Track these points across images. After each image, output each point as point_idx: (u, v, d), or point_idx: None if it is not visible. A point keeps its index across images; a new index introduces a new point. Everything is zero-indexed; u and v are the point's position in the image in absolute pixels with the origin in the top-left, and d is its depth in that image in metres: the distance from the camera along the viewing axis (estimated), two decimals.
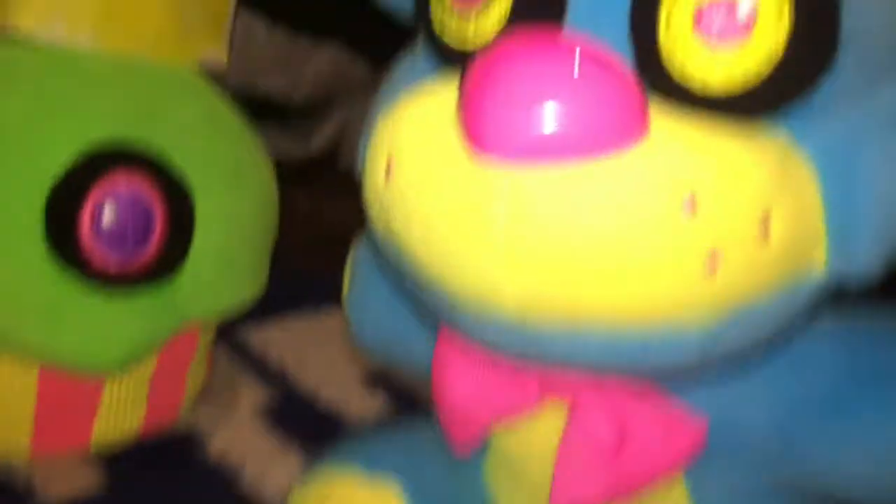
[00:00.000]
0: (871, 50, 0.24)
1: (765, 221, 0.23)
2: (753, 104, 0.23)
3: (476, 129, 0.22)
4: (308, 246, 0.56)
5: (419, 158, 0.24)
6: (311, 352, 0.49)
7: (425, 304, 0.27)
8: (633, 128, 0.22)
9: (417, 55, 0.28)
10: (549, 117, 0.22)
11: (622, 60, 0.23)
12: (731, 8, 0.22)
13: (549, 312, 0.24)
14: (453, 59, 0.25)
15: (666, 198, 0.22)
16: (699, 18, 0.22)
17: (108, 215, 0.34)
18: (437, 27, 0.26)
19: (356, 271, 0.34)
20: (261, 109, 0.65)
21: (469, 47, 0.25)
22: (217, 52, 0.39)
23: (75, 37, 0.35)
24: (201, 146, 0.37)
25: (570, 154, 0.22)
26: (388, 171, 0.25)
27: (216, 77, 0.40)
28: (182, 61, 0.38)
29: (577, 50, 0.22)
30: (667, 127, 0.23)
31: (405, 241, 0.25)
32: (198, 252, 0.36)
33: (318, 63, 0.63)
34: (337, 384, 0.47)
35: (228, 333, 0.48)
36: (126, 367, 0.37)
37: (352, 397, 0.46)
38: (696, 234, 0.22)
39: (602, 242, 0.22)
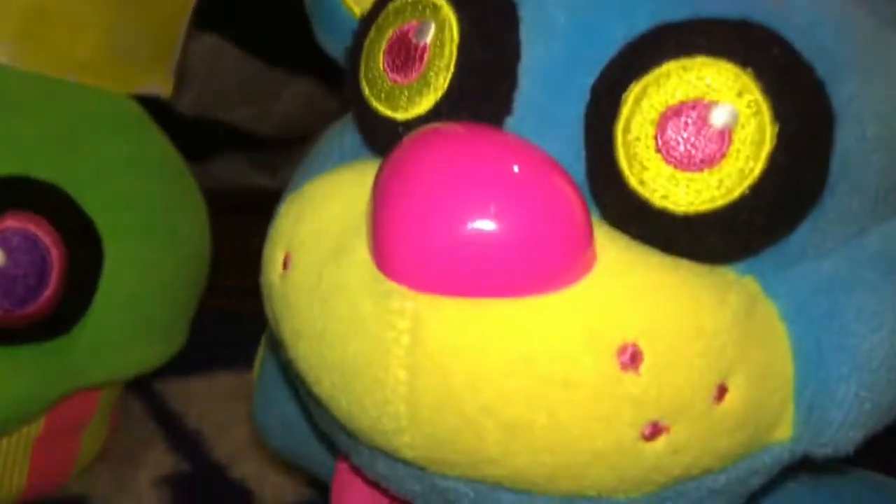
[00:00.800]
0: (861, 192, 0.20)
1: (721, 385, 0.19)
2: (721, 234, 0.19)
3: (383, 250, 0.18)
4: (255, 289, 0.52)
5: (316, 261, 0.20)
6: (235, 414, 0.45)
7: (321, 418, 0.23)
8: (573, 267, 0.18)
9: (347, 124, 0.24)
10: (474, 248, 0.17)
11: (570, 169, 0.19)
12: (702, 120, 0.18)
13: (450, 465, 0.20)
14: (378, 136, 0.22)
15: (600, 347, 0.18)
16: (663, 127, 0.19)
17: None
18: (366, 93, 0.22)
19: (266, 360, 0.30)
20: (224, 138, 0.62)
21: (398, 128, 0.21)
22: (159, 85, 0.35)
23: (7, 49, 0.31)
24: (120, 186, 0.33)
25: (491, 293, 0.18)
26: (285, 266, 0.21)
27: (161, 106, 0.36)
28: (116, 90, 0.34)
29: (516, 162, 0.18)
30: (613, 258, 0.19)
31: (293, 351, 0.21)
32: (102, 305, 0.32)
33: (290, 95, 0.60)
34: (256, 457, 0.42)
35: (144, 383, 0.44)
36: (4, 428, 0.33)
37: (269, 474, 0.41)
38: (635, 397, 0.18)
39: (515, 395, 0.18)
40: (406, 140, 0.19)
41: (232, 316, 0.46)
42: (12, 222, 0.30)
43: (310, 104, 0.61)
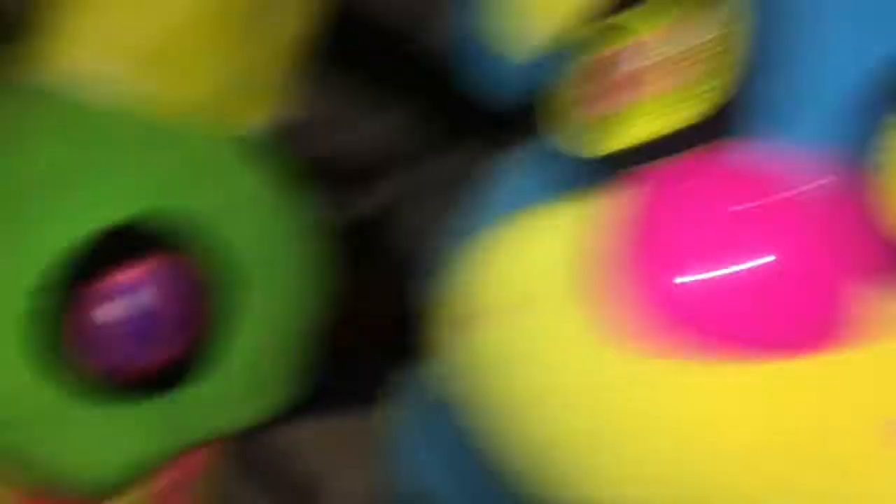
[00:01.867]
0: None
1: None
2: None
3: (655, 312, 0.16)
4: (346, 330, 0.51)
5: (526, 322, 0.18)
6: (345, 462, 0.43)
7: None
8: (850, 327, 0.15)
9: (520, 163, 0.22)
10: (752, 307, 0.15)
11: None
12: None
13: None
14: (578, 173, 0.19)
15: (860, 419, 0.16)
16: None
17: (116, 312, 0.27)
18: (560, 132, 0.19)
19: (410, 407, 0.28)
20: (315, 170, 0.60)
21: (604, 160, 0.18)
22: (262, 120, 0.33)
23: (129, 79, 0.29)
24: (240, 230, 0.30)
25: (755, 352, 0.15)
26: (468, 320, 0.19)
27: (270, 142, 0.34)
28: (227, 126, 0.32)
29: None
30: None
31: (485, 418, 0.19)
32: (224, 355, 0.30)
33: (381, 128, 0.58)
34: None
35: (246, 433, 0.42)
36: (120, 490, 0.30)
37: None
38: None
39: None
40: (657, 180, 0.16)
41: (343, 351, 0.44)
42: (137, 268, 0.28)
43: (400, 135, 0.59)
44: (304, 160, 0.36)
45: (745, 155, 0.17)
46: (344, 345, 0.47)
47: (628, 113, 0.18)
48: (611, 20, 0.19)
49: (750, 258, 0.15)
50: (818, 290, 0.15)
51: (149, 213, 0.28)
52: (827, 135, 0.17)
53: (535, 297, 0.18)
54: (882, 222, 0.16)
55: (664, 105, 0.18)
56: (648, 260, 0.16)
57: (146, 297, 0.27)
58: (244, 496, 0.40)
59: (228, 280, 0.29)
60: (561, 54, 0.20)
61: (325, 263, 0.33)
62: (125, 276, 0.27)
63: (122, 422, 0.28)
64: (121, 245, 0.27)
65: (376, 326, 0.43)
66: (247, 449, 0.42)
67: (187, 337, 0.28)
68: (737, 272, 0.15)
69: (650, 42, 0.18)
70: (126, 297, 0.27)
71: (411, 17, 0.52)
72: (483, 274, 0.19)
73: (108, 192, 0.28)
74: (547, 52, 0.21)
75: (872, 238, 0.16)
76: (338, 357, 0.46)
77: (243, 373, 0.30)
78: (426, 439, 0.26)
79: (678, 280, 0.15)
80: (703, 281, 0.15)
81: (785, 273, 0.15)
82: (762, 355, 0.15)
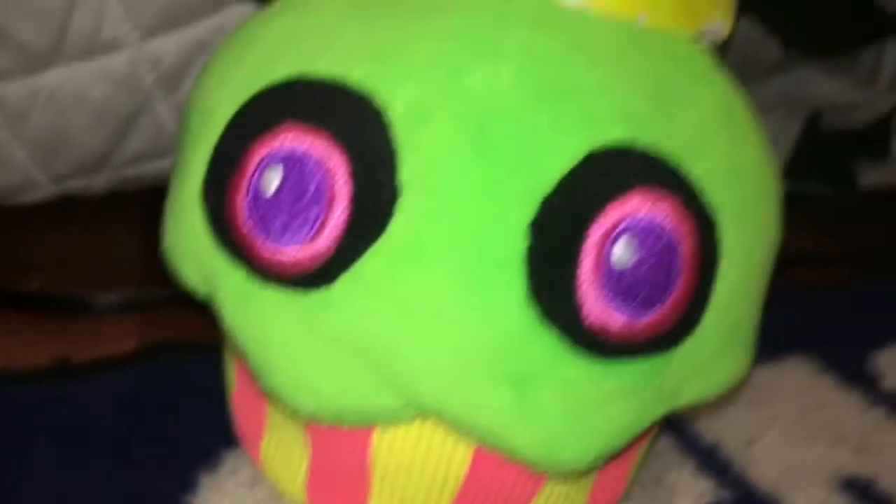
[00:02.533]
0: None
1: None
2: None
3: None
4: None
5: None
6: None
7: None
8: None
9: None
10: None
11: None
12: None
13: None
14: None
15: None
16: None
17: (621, 254, 0.22)
18: None
19: None
20: None
21: None
22: (722, 21, 0.26)
23: None
24: (718, 152, 0.24)
25: None
26: None
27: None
28: (684, 29, 0.26)
29: None
30: None
31: None
32: (711, 308, 0.24)
33: None
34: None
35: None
36: (598, 463, 0.24)
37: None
38: None
39: None
40: None
41: None
42: (641, 202, 0.22)
43: None
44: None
45: None
46: None
47: None
48: None
49: None
50: None
51: (637, 136, 0.22)
52: None
53: None
54: None
55: None
56: None
57: (665, 239, 0.22)
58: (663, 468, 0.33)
59: (711, 220, 0.23)
60: None
61: (779, 196, 0.27)
62: (642, 207, 0.22)
63: (604, 389, 0.23)
64: (611, 174, 0.22)
65: None
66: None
67: (686, 290, 0.23)
68: None
69: None
70: (645, 236, 0.22)
71: None
72: None
73: (602, 109, 0.22)
74: None
75: None
76: None
77: (715, 328, 0.24)
78: None
79: None
80: None
81: None
82: None
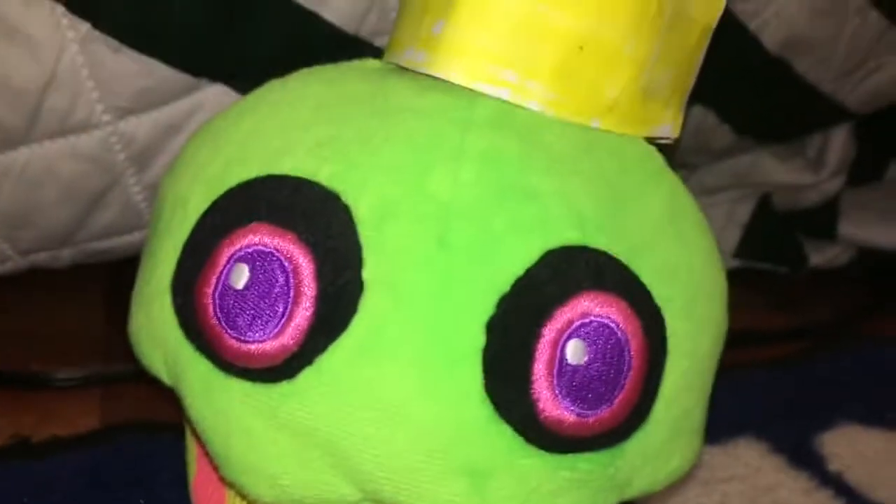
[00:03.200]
0: None
1: None
2: None
3: None
4: None
5: None
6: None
7: None
8: None
9: None
10: None
11: None
12: None
13: None
14: None
15: None
16: None
17: (574, 354, 0.22)
18: None
19: None
20: None
21: None
22: (671, 125, 0.28)
23: (524, 92, 0.25)
24: (664, 253, 0.25)
25: None
26: None
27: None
28: (633, 133, 0.27)
29: None
30: None
31: None
32: (659, 401, 0.25)
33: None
34: None
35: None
36: None
37: None
38: None
39: None
40: None
41: None
42: (592, 302, 0.23)
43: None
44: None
45: None
46: None
47: None
48: None
49: None
50: None
51: (589, 238, 0.23)
52: None
53: None
54: None
55: None
56: None
57: (614, 339, 0.23)
58: None
59: (661, 320, 0.24)
60: None
61: (725, 292, 0.28)
62: (593, 308, 0.23)
63: (563, 476, 0.24)
64: (565, 275, 0.23)
65: None
66: None
67: (634, 387, 0.24)
68: None
69: None
70: (596, 336, 0.23)
71: None
72: None
73: (556, 212, 0.23)
74: None
75: None
76: None
77: (665, 419, 0.25)
78: None
79: None
80: None
81: None
82: None
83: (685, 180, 0.28)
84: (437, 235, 0.22)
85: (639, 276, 0.23)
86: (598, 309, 0.23)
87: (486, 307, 0.22)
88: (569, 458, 0.23)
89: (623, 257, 0.23)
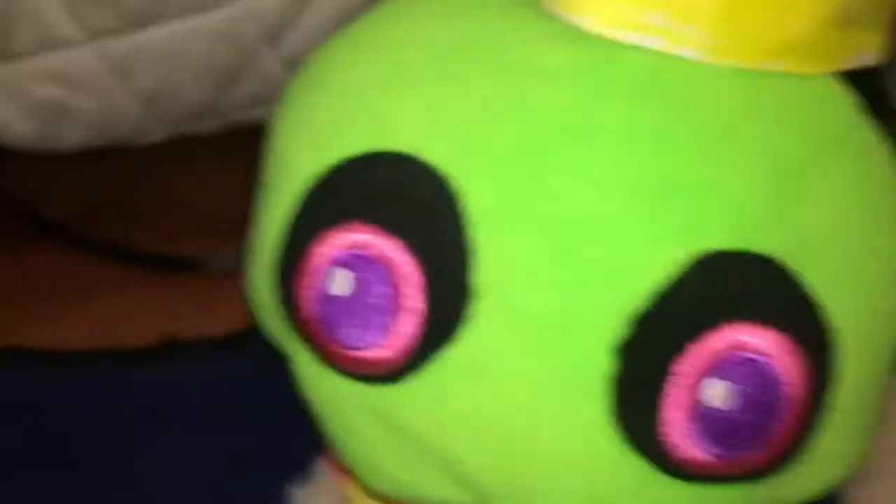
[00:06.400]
0: None
1: None
2: None
3: None
4: None
5: None
6: None
7: None
8: None
9: None
10: None
11: None
12: None
13: None
14: None
15: None
16: None
17: (714, 392, 0.19)
18: None
19: None
20: None
21: None
22: (870, 51, 0.22)
23: (679, 38, 0.20)
24: (846, 240, 0.21)
25: None
26: None
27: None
28: (823, 70, 0.21)
29: None
30: None
31: None
32: (823, 426, 0.21)
33: None
34: None
35: None
36: None
37: None
38: None
39: None
40: None
41: None
42: (746, 335, 0.19)
43: None
44: None
45: None
46: None
47: None
48: None
49: None
50: None
51: (748, 242, 0.19)
52: None
53: None
54: None
55: None
56: None
57: (766, 380, 0.19)
58: None
59: (826, 344, 0.20)
60: None
61: None
62: (745, 339, 0.19)
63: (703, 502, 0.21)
64: (712, 296, 0.19)
65: None
66: None
67: (790, 427, 0.20)
68: None
69: None
70: (744, 375, 0.19)
71: None
72: None
73: (708, 211, 0.19)
74: None
75: None
76: None
77: (836, 439, 0.22)
78: None
79: None
80: None
81: None
82: None
83: None
84: (560, 242, 0.19)
85: (809, 287, 0.19)
86: (750, 340, 0.19)
87: (614, 330, 0.19)
88: (707, 489, 0.20)
89: (794, 261, 0.19)
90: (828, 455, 0.21)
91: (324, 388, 0.21)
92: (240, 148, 0.39)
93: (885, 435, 0.27)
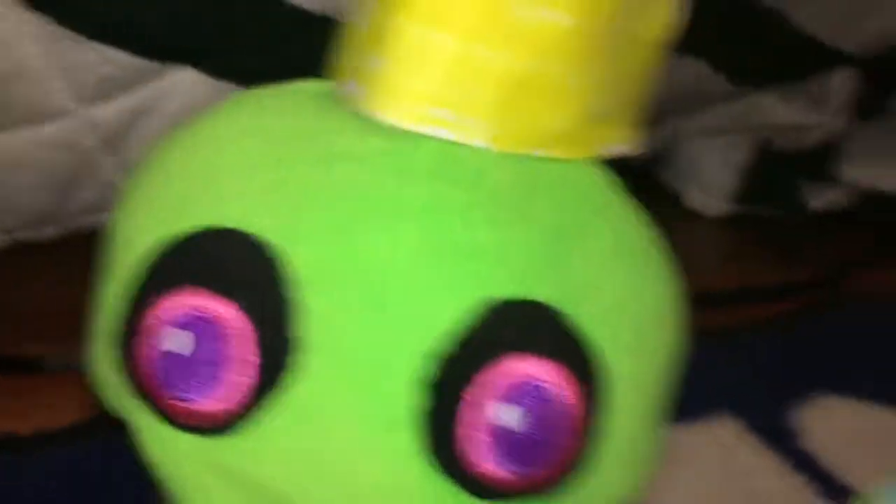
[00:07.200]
0: None
1: None
2: None
3: None
4: None
5: None
6: None
7: None
8: None
9: None
10: None
11: None
12: None
13: None
14: None
15: None
16: None
17: (505, 415, 0.22)
18: None
19: None
20: None
21: None
22: (626, 142, 0.26)
23: (464, 129, 0.24)
24: (611, 289, 0.24)
25: None
26: None
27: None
28: (583, 156, 0.26)
29: None
30: None
31: None
32: (603, 446, 0.24)
33: None
34: None
35: None
36: None
37: None
38: None
39: None
40: None
41: None
42: (529, 365, 0.22)
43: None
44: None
45: None
46: None
47: None
48: None
49: None
50: None
51: (530, 291, 0.23)
52: None
53: None
54: None
55: None
56: None
57: (547, 401, 0.23)
58: None
59: (604, 370, 0.24)
60: None
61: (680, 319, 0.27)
62: (526, 369, 0.22)
63: None
64: (500, 334, 0.22)
65: None
66: None
67: (575, 444, 0.23)
68: None
69: None
70: (527, 398, 0.22)
71: None
72: None
73: (496, 267, 0.23)
74: None
75: None
76: None
77: (617, 450, 0.25)
78: None
79: None
80: None
81: None
82: None
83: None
84: (370, 296, 0.22)
85: (580, 328, 0.23)
86: (531, 369, 0.22)
87: (418, 367, 0.22)
88: (509, 503, 0.23)
89: (566, 306, 0.23)
90: (610, 476, 0.25)
91: (166, 448, 0.23)
92: (78, 252, 0.41)
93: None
